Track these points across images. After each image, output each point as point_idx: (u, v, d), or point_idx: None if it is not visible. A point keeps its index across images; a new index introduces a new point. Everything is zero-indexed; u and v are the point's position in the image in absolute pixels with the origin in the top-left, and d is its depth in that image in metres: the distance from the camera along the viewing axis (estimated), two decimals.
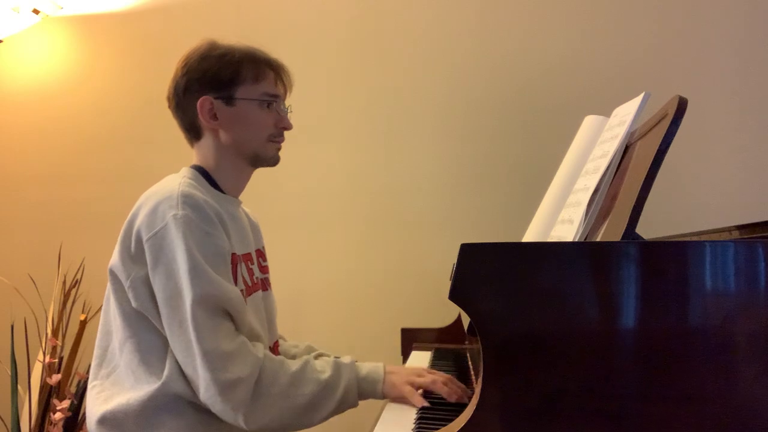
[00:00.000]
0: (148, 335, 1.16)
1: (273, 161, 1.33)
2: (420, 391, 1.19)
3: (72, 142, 2.31)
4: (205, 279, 1.10)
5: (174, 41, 2.33)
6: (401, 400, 1.20)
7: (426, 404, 1.15)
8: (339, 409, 1.18)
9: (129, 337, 1.17)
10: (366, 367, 1.22)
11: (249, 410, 1.10)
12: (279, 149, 1.33)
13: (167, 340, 1.15)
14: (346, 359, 1.23)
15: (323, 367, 1.19)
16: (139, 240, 1.15)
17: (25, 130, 2.34)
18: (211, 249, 1.14)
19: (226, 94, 1.27)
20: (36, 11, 2.26)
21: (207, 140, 1.30)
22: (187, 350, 1.11)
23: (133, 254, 1.16)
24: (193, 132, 1.31)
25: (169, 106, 1.32)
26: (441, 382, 1.19)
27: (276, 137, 1.31)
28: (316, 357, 1.31)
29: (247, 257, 1.29)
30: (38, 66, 2.34)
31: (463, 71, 2.16)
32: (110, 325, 1.23)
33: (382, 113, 2.19)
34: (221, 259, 1.16)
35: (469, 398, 1.08)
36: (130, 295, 1.16)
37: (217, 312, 1.12)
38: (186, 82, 1.27)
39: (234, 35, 2.32)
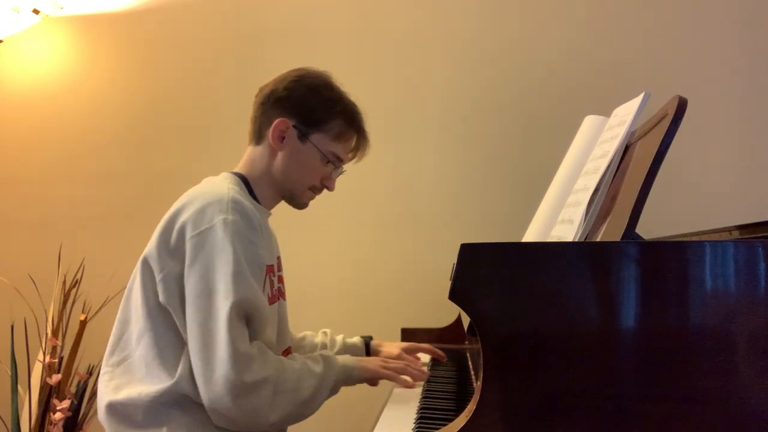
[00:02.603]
0: (167, 331, 1.17)
1: (300, 206, 1.38)
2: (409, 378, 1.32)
3: (72, 142, 2.31)
4: (246, 284, 1.13)
5: (173, 41, 2.35)
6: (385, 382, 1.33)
7: (409, 380, 1.30)
8: (328, 397, 1.25)
9: (148, 330, 1.18)
10: (341, 358, 1.30)
11: (272, 407, 1.13)
12: (312, 199, 1.38)
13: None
14: (326, 353, 1.32)
15: (315, 362, 1.24)
16: (181, 236, 1.16)
17: (25, 130, 2.34)
18: (253, 258, 1.16)
19: (304, 129, 1.31)
20: (36, 11, 2.26)
21: (262, 152, 1.33)
22: (207, 350, 1.10)
23: (172, 249, 1.17)
24: (257, 135, 1.34)
25: (256, 96, 1.35)
26: (408, 366, 1.33)
27: (316, 190, 1.36)
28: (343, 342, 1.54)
29: (271, 268, 1.31)
30: (38, 66, 2.34)
31: (464, 72, 2.16)
32: (129, 314, 1.24)
33: (381, 114, 2.19)
34: (258, 269, 1.19)
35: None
36: (160, 289, 1.17)
37: (244, 317, 1.14)
38: (284, 95, 1.31)
39: (232, 36, 2.33)
